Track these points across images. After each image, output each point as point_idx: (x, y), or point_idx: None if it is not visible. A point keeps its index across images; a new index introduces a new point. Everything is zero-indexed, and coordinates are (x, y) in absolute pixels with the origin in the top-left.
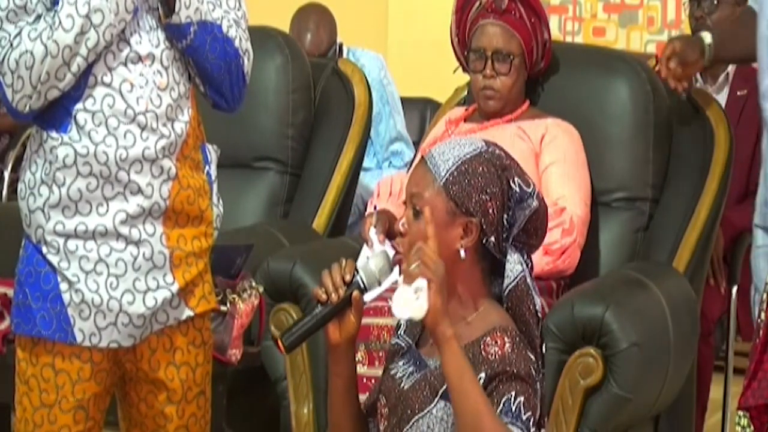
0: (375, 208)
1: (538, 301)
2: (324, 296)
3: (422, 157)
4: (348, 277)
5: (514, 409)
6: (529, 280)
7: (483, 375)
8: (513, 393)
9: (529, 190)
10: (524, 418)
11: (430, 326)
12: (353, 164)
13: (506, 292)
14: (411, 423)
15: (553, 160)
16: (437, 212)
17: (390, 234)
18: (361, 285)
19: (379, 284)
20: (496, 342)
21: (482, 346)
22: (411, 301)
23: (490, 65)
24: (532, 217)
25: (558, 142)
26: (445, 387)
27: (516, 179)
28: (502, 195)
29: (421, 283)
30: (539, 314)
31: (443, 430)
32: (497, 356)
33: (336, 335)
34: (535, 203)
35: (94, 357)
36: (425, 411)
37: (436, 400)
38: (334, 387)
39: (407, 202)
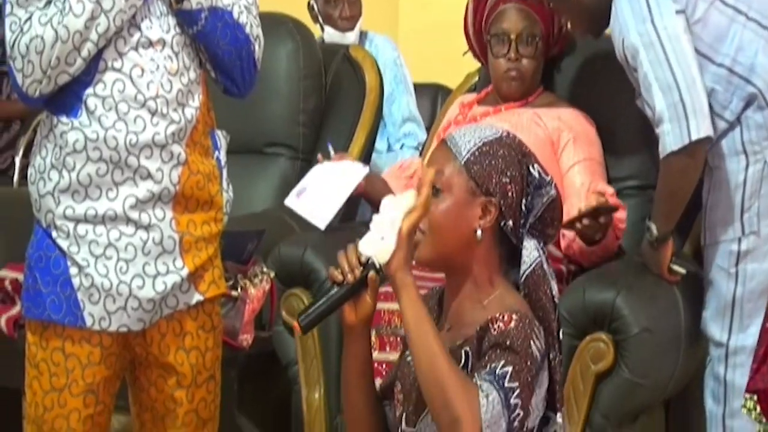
0: (329, 143)
1: (555, 286)
2: (340, 277)
3: (442, 139)
4: (363, 258)
5: (498, 372)
6: (545, 266)
7: (486, 349)
8: (502, 362)
9: (548, 179)
10: (506, 384)
11: (391, 271)
12: (364, 149)
13: (523, 278)
14: (427, 409)
15: (576, 160)
16: (457, 190)
17: (371, 197)
18: (377, 266)
19: None
20: (503, 318)
21: (490, 319)
22: (377, 242)
23: (514, 48)
24: (549, 206)
25: (579, 141)
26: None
27: (535, 166)
28: (521, 179)
29: (391, 228)
30: (556, 299)
31: None
32: (499, 330)
33: (352, 316)
34: (553, 192)
35: (104, 341)
36: None
37: None
38: (349, 368)
39: (426, 180)
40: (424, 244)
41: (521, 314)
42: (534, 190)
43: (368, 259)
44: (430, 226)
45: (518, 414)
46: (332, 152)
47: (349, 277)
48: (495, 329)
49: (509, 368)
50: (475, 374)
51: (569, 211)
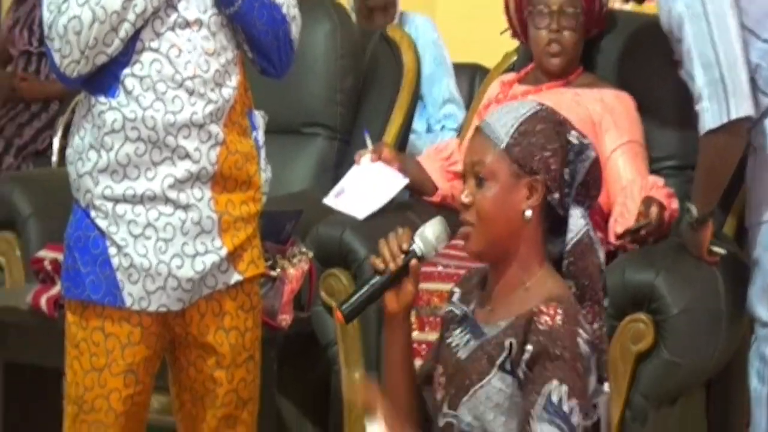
0: (366, 132)
1: (602, 254)
2: (382, 265)
3: (477, 127)
4: (405, 246)
5: (555, 401)
6: (592, 233)
7: (530, 346)
8: (555, 382)
9: (586, 142)
10: (564, 409)
11: None
12: (402, 129)
13: (569, 246)
14: (470, 394)
15: (619, 143)
16: (501, 176)
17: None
18: (419, 253)
19: (436, 252)
20: (549, 311)
21: (536, 311)
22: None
23: (556, 19)
24: (591, 168)
25: (622, 123)
26: (503, 357)
27: (573, 132)
28: (562, 150)
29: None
30: (602, 268)
31: (502, 400)
32: (546, 327)
33: (393, 304)
34: (593, 153)
35: (144, 321)
36: (483, 381)
37: (494, 370)
38: (390, 356)
39: (467, 173)
40: (475, 237)
41: (565, 304)
42: (575, 157)
43: (409, 246)
44: (479, 218)
45: (581, 423)
46: (369, 142)
47: (391, 266)
48: (541, 324)
49: (563, 388)
50: (532, 415)
51: (623, 213)
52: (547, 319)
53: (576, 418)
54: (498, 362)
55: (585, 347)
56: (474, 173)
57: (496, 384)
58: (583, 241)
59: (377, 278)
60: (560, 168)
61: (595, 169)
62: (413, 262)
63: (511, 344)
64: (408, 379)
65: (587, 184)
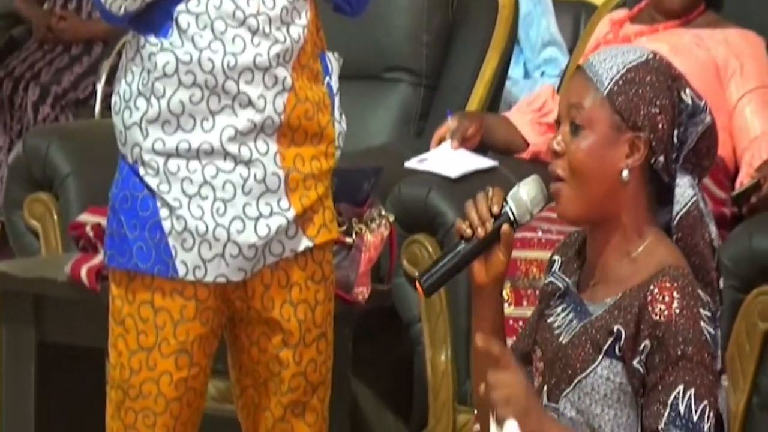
0: (449, 114)
1: (714, 228)
2: (469, 231)
3: (578, 66)
4: (496, 209)
5: (683, 411)
6: (702, 205)
7: (647, 343)
8: (681, 386)
9: (702, 104)
10: (695, 417)
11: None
12: (497, 73)
13: (677, 220)
14: (573, 384)
15: (747, 89)
16: (599, 126)
17: (483, 142)
18: (511, 217)
19: (531, 216)
20: (664, 296)
21: (648, 299)
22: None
23: None
24: (704, 134)
25: (750, 66)
26: (609, 342)
27: (687, 91)
28: (672, 108)
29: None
30: (715, 244)
31: (611, 391)
32: (663, 317)
33: (482, 275)
34: (708, 119)
35: (199, 293)
36: (588, 370)
37: (600, 357)
38: (478, 333)
39: (562, 117)
40: (566, 194)
41: (681, 282)
42: (687, 119)
43: (501, 210)
44: (572, 171)
45: (713, 425)
46: (450, 124)
47: (480, 231)
48: (656, 314)
49: (691, 391)
50: (661, 427)
51: (748, 173)
52: (663, 308)
53: (707, 424)
54: (605, 348)
55: (708, 329)
56: (569, 117)
57: (602, 373)
58: (692, 213)
59: (463, 245)
60: (669, 128)
61: (710, 136)
62: (505, 227)
63: (619, 331)
64: None
65: (699, 152)
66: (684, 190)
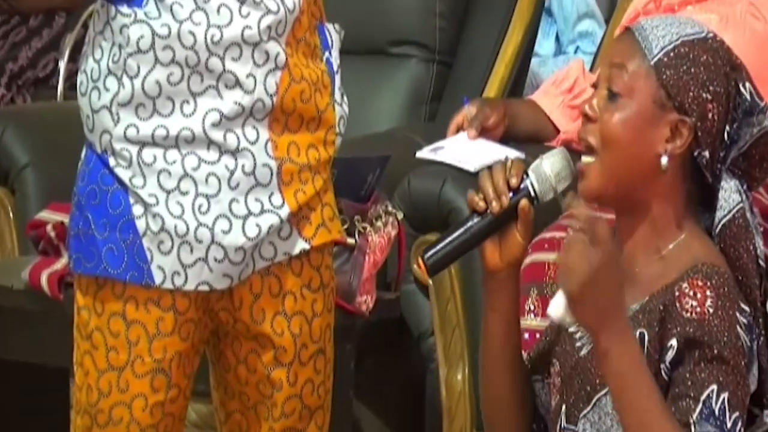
0: (465, 101)
1: (761, 243)
2: (482, 204)
3: (627, 28)
4: (514, 181)
5: (717, 411)
6: (749, 215)
7: (674, 342)
8: (715, 387)
9: (762, 105)
10: (729, 424)
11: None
12: (521, 49)
13: (719, 228)
14: (592, 403)
15: None
16: (641, 98)
17: (507, 134)
18: (532, 192)
19: (555, 192)
20: (695, 293)
21: (677, 295)
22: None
23: None
24: (760, 140)
25: None
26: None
27: (747, 85)
28: (727, 99)
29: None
30: (761, 261)
31: None
32: (694, 314)
33: (495, 258)
34: (767, 122)
35: (178, 304)
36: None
37: None
38: (489, 328)
39: (601, 78)
40: (594, 168)
41: (716, 281)
42: (742, 116)
43: (520, 183)
44: (603, 141)
45: None
46: (469, 110)
47: (495, 206)
48: (687, 310)
49: (724, 395)
50: (691, 424)
51: None
52: (694, 304)
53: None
54: None
55: (745, 337)
56: (608, 81)
57: None
58: (737, 222)
59: (475, 220)
60: (719, 121)
61: (766, 144)
62: (523, 202)
63: (642, 335)
64: (510, 359)
65: (751, 157)
66: (729, 194)
